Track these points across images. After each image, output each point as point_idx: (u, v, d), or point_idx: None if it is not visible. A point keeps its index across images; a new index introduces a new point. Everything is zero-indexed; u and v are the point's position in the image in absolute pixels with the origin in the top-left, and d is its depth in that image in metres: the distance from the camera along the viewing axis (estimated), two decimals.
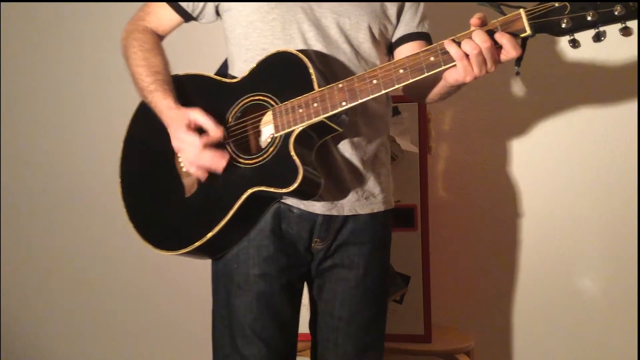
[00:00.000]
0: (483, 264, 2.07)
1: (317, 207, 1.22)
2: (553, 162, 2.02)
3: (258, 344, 1.21)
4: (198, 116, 1.18)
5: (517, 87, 2.03)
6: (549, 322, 2.04)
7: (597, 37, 0.95)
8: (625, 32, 0.94)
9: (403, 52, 1.30)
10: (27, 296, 2.30)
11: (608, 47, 1.90)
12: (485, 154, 2.06)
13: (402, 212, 1.86)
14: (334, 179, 1.23)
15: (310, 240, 1.25)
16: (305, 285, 1.33)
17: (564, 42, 1.96)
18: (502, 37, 1.01)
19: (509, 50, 1.01)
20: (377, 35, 1.27)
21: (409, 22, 1.32)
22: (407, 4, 1.32)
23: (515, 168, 2.05)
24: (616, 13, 0.92)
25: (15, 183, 2.25)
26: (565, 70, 1.97)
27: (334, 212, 1.24)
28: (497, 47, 1.02)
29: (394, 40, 1.33)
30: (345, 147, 1.24)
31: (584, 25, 0.95)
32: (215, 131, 1.17)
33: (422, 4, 1.34)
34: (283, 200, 1.22)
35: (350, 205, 1.25)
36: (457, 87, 1.15)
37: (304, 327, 1.37)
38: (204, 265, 1.33)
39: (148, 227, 1.27)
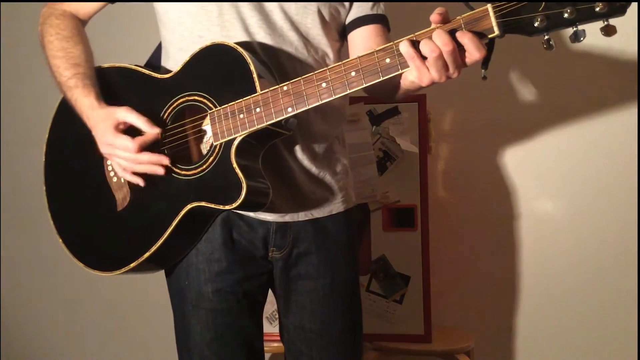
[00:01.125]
0: (483, 264, 2.07)
1: (268, 215, 1.12)
2: (553, 162, 2.02)
3: None
4: (127, 115, 1.04)
5: (518, 87, 2.03)
6: (549, 323, 2.04)
7: (576, 37, 0.84)
8: (607, 30, 0.82)
9: (357, 37, 1.17)
10: (27, 296, 2.29)
11: (609, 48, 1.91)
12: (485, 154, 2.06)
13: (402, 212, 1.87)
14: (285, 183, 1.12)
15: (266, 249, 1.14)
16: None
17: (566, 40, 1.97)
18: (463, 37, 0.87)
19: (472, 52, 0.88)
20: (327, 19, 1.13)
21: (362, 3, 1.17)
22: None
23: (515, 168, 2.05)
24: (597, 10, 0.81)
25: (15, 183, 2.25)
26: (565, 70, 1.97)
27: (288, 219, 1.13)
28: (461, 48, 0.89)
29: (346, 23, 1.18)
30: (296, 147, 1.12)
31: (561, 24, 0.83)
32: (150, 129, 1.03)
33: None
34: None
35: (305, 209, 1.15)
36: (416, 89, 1.03)
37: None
38: None
39: (78, 244, 1.14)
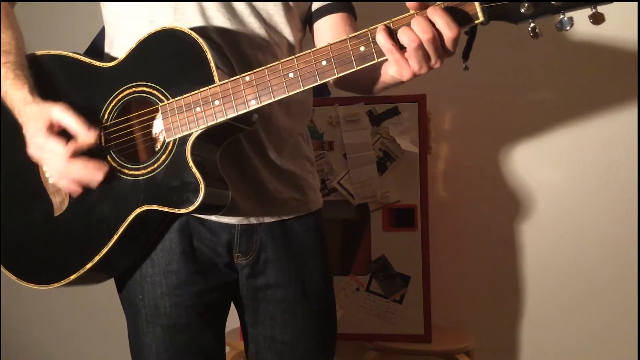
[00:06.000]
0: (483, 264, 2.07)
1: (231, 217, 1.02)
2: (553, 163, 2.02)
3: None
4: (62, 115, 0.91)
5: (518, 87, 2.03)
6: (549, 322, 2.04)
7: (562, 25, 0.79)
8: (596, 19, 0.77)
9: (324, 26, 1.10)
10: (27, 296, 2.29)
11: (608, 46, 1.91)
12: (485, 154, 2.06)
13: (402, 212, 1.86)
14: (249, 181, 1.02)
15: (230, 255, 1.04)
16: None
17: (565, 41, 1.97)
18: (433, 14, 0.79)
19: (444, 31, 0.79)
20: (292, 5, 1.05)
21: None
22: None
23: (515, 168, 2.05)
24: None
25: None
26: (565, 69, 1.97)
27: (253, 221, 1.04)
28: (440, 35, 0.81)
29: (312, 10, 1.11)
30: (259, 143, 1.02)
31: (547, 10, 0.79)
32: (85, 135, 0.91)
33: None
34: None
35: (272, 210, 1.06)
36: (397, 83, 0.94)
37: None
38: None
39: (9, 254, 1.02)
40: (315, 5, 1.11)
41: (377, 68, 0.92)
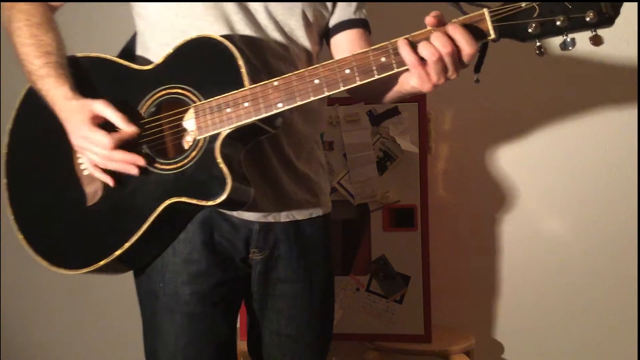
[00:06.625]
0: (483, 264, 2.07)
1: (251, 214, 1.09)
2: (553, 163, 2.02)
3: None
4: (104, 109, 0.99)
5: (518, 88, 2.03)
6: (549, 323, 2.04)
7: (565, 45, 0.88)
8: (595, 40, 0.86)
9: (340, 40, 1.18)
10: (27, 296, 2.30)
11: (609, 50, 1.91)
12: (485, 154, 2.06)
13: (402, 212, 1.87)
14: (268, 181, 1.10)
15: (247, 250, 1.11)
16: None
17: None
18: (454, 31, 0.87)
19: (463, 47, 0.87)
20: (311, 20, 1.13)
21: (345, 7, 1.17)
22: None
23: (515, 168, 2.05)
24: (588, 19, 0.84)
25: None
26: (566, 72, 1.97)
27: (270, 219, 1.11)
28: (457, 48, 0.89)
29: (330, 26, 1.19)
30: (280, 147, 1.10)
31: (552, 31, 0.87)
32: (127, 127, 0.99)
33: None
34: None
35: (287, 210, 1.13)
36: (416, 93, 1.03)
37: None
38: None
39: (42, 241, 1.08)
40: (333, 22, 1.19)
41: (393, 78, 0.99)
